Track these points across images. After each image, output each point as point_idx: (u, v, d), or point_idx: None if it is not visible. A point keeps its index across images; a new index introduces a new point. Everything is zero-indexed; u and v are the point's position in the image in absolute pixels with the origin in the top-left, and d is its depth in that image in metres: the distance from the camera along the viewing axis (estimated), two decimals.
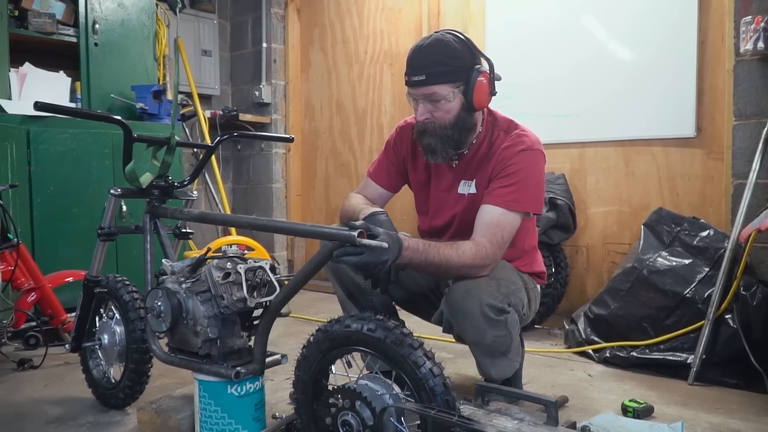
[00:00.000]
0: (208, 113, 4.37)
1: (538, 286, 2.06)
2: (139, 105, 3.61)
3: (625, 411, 2.05)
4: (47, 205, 3.16)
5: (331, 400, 1.45)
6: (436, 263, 1.65)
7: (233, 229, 4.09)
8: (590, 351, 2.69)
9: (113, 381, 2.11)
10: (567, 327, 2.92)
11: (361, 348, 1.41)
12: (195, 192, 2.07)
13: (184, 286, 1.70)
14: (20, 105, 3.22)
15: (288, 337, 3.01)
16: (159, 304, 1.69)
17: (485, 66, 1.80)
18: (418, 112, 1.80)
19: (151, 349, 1.83)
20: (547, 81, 3.39)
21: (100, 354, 2.14)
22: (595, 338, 2.70)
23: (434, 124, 1.80)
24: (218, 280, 1.63)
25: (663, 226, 2.67)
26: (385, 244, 1.41)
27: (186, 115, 4.26)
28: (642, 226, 2.75)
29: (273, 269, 1.71)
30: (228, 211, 4.12)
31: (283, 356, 1.78)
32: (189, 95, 4.26)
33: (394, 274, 1.65)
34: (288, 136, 2.11)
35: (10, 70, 3.30)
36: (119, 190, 1.93)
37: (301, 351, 1.54)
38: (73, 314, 2.92)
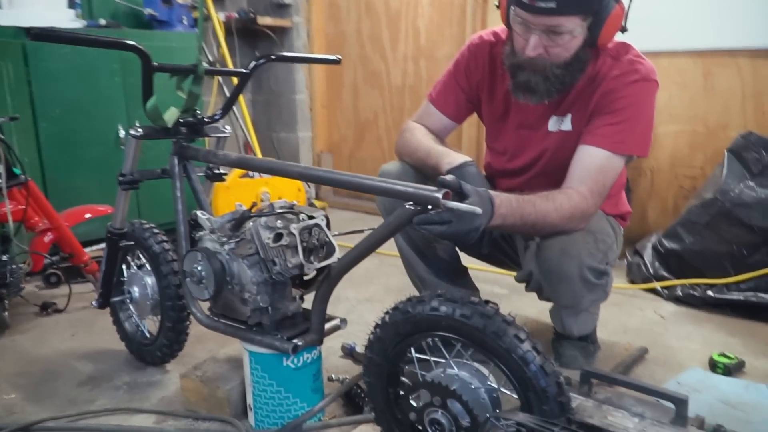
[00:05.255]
0: (221, 16, 3.93)
1: (621, 229, 1.81)
2: (148, 11, 3.23)
3: (714, 366, 1.87)
4: (54, 130, 2.85)
5: (414, 392, 1.23)
6: (531, 221, 1.38)
7: (258, 150, 3.79)
8: (659, 287, 2.47)
9: (148, 336, 1.92)
10: (630, 259, 2.68)
11: (452, 336, 1.18)
12: (228, 128, 1.77)
13: (226, 247, 1.46)
14: (13, 15, 2.84)
15: None
16: (199, 268, 1.46)
17: None
18: (529, 45, 1.44)
19: (192, 313, 1.62)
20: None
21: (131, 307, 1.94)
22: (665, 274, 2.49)
23: (545, 61, 1.45)
24: (269, 243, 1.39)
25: (752, 153, 2.35)
26: (479, 209, 1.14)
27: (197, 19, 3.84)
28: (726, 152, 2.44)
29: (328, 224, 1.46)
30: (251, 130, 3.78)
31: (342, 320, 1.57)
32: None
33: (487, 245, 1.39)
34: (334, 57, 1.77)
35: None
36: (141, 130, 1.62)
37: (373, 331, 1.30)
38: (93, 248, 2.74)
